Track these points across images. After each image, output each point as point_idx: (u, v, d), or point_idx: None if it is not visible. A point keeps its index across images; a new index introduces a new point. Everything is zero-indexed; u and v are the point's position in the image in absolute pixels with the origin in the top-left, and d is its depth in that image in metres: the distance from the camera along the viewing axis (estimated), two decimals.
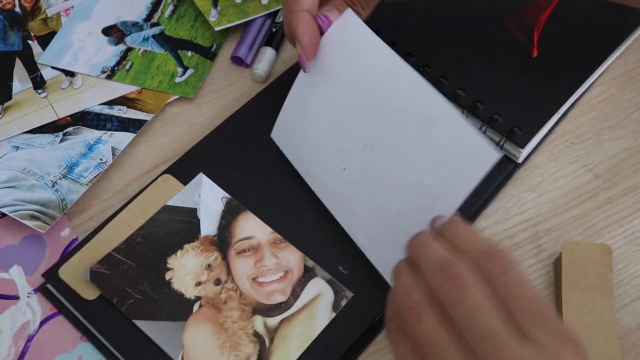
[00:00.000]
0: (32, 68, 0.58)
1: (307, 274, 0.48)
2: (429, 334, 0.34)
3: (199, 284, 0.47)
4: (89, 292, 0.46)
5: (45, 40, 0.60)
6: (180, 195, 0.50)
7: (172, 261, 0.48)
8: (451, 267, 0.34)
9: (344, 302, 0.47)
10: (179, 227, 0.49)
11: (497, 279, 0.33)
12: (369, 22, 0.49)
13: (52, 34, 0.60)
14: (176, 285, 0.47)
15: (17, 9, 0.61)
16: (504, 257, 0.34)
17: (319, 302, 0.47)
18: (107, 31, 0.60)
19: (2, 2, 0.61)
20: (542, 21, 0.54)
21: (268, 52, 0.59)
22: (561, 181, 0.55)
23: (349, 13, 0.47)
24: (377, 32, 0.56)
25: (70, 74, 0.58)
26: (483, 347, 0.32)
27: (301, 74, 0.49)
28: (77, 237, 0.51)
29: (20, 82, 0.58)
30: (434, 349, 0.34)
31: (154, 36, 0.60)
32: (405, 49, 0.56)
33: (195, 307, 0.46)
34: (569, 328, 0.33)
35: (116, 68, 0.58)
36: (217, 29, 0.60)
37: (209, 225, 0.49)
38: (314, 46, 0.47)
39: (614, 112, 0.58)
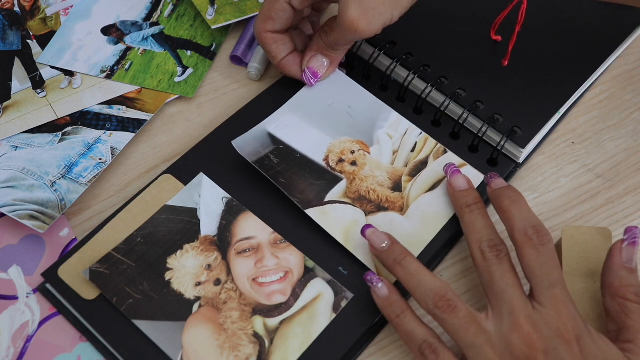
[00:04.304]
0: (31, 67, 0.58)
1: (307, 275, 0.47)
2: None
3: (198, 284, 0.47)
4: (89, 292, 0.46)
5: (44, 40, 0.60)
6: (180, 195, 0.50)
7: (172, 261, 0.48)
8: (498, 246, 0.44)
9: (344, 303, 0.47)
10: (179, 227, 0.49)
11: (537, 247, 0.43)
12: None
13: (52, 33, 0.60)
14: (176, 285, 0.47)
15: (16, 9, 0.61)
16: (547, 234, 0.43)
17: (319, 303, 0.46)
18: (106, 31, 0.60)
19: (1, 1, 0.61)
20: (497, 23, 0.55)
21: (262, 51, 0.59)
22: (562, 181, 0.55)
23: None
24: None
25: (69, 73, 0.58)
26: (499, 298, 0.42)
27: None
28: (76, 238, 0.51)
29: (19, 81, 0.57)
30: None
31: (153, 36, 0.60)
32: (405, 49, 0.56)
33: (195, 307, 0.46)
34: (571, 304, 0.41)
35: (115, 68, 0.58)
36: (213, 27, 0.60)
37: (209, 225, 0.49)
38: (288, 64, 0.53)
39: (615, 111, 0.58)
